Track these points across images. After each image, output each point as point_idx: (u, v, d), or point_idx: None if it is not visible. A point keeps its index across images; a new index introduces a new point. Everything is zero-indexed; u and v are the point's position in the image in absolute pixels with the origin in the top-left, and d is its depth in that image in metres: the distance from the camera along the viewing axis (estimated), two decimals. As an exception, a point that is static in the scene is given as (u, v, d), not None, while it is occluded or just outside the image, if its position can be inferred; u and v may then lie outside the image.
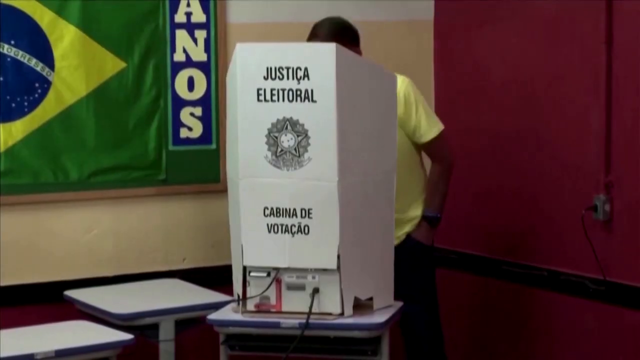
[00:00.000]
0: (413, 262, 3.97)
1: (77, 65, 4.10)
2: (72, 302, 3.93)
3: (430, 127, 3.94)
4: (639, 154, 3.79)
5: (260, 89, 3.56)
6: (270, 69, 3.53)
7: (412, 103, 3.91)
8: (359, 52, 3.86)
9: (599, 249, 3.85)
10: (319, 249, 3.54)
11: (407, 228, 4.01)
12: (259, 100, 3.56)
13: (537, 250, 4.14)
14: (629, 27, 3.79)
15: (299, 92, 3.53)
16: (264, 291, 3.59)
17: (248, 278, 3.62)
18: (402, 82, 3.87)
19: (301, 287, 3.58)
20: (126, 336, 3.50)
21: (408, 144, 3.93)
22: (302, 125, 3.52)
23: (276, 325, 3.54)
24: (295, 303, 3.57)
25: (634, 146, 3.80)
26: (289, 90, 3.54)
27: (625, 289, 3.81)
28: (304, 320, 3.50)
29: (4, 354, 3.29)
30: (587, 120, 3.90)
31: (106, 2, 4.14)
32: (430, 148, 3.99)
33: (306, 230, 3.55)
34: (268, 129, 3.56)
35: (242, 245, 3.61)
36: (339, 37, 3.77)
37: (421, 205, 4.02)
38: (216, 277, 4.06)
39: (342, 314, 3.55)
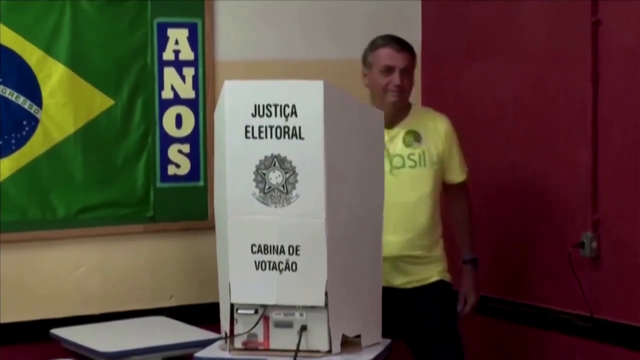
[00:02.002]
0: (447, 304, 3.93)
1: (65, 103, 4.10)
2: (58, 340, 3.90)
3: (464, 167, 3.94)
4: (626, 191, 3.79)
5: (249, 126, 3.55)
6: (258, 106, 3.52)
7: (455, 142, 3.89)
8: None
9: (586, 286, 3.85)
10: (306, 286, 3.52)
11: (437, 267, 3.92)
12: (247, 137, 3.56)
13: (525, 287, 4.14)
14: (615, 66, 3.81)
15: (286, 129, 3.53)
16: (251, 329, 3.57)
17: (235, 315, 3.59)
18: (445, 120, 3.88)
19: (289, 325, 3.55)
20: (113, 375, 3.49)
21: (439, 182, 3.91)
22: (290, 162, 3.51)
23: (264, 363, 3.54)
24: (283, 341, 3.54)
25: (620, 183, 3.81)
26: (276, 128, 3.53)
27: (613, 326, 3.81)
28: (291, 358, 3.47)
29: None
30: (574, 157, 3.92)
31: (94, 40, 4.15)
32: (462, 187, 3.97)
33: (294, 267, 3.53)
34: (256, 166, 3.55)
35: (229, 283, 3.59)
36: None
37: (441, 244, 3.95)
38: (203, 314, 4.03)
39: (329, 352, 3.52)
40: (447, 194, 3.98)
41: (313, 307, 3.53)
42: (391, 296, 3.75)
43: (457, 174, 3.92)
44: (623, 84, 3.79)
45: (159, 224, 4.28)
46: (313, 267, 3.51)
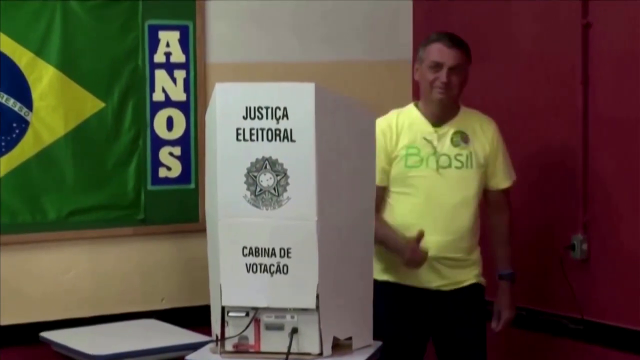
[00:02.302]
0: (480, 309, 3.85)
1: (55, 106, 4.09)
2: (48, 343, 3.89)
3: (510, 175, 3.84)
4: (616, 194, 3.81)
5: (240, 129, 3.56)
6: (250, 108, 3.53)
7: (501, 147, 3.81)
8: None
9: (577, 288, 3.87)
10: (297, 288, 3.52)
11: (474, 271, 3.83)
12: (238, 139, 3.56)
13: (516, 289, 4.13)
14: (605, 68, 3.83)
15: (278, 132, 3.53)
16: (242, 331, 3.56)
17: (226, 318, 3.59)
18: (492, 123, 3.81)
19: (280, 327, 3.55)
20: (103, 378, 3.49)
21: (482, 187, 3.81)
22: (282, 164, 3.51)
23: (255, 366, 3.53)
24: (274, 343, 3.54)
25: (611, 186, 3.82)
26: (268, 130, 3.54)
27: (604, 328, 3.82)
28: (283, 361, 3.50)
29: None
30: (565, 159, 3.92)
31: (85, 42, 4.14)
32: (503, 196, 3.86)
33: (285, 270, 3.53)
34: (247, 169, 3.55)
35: (220, 285, 3.59)
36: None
37: (479, 248, 3.86)
38: (194, 317, 4.03)
39: (321, 354, 3.52)
40: (486, 201, 3.88)
41: (304, 310, 3.53)
42: (425, 297, 3.78)
43: (501, 180, 3.82)
44: (613, 86, 3.80)
45: (149, 227, 4.27)
46: (304, 270, 3.51)
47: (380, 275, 3.82)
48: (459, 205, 3.73)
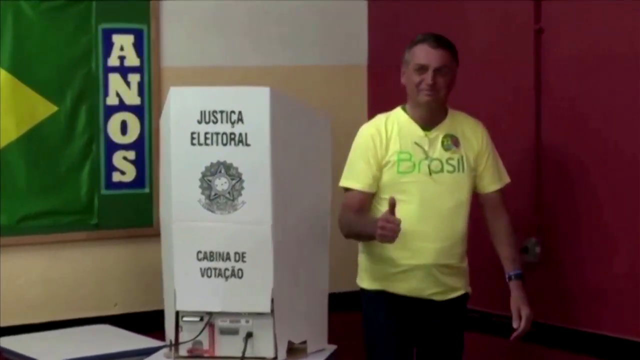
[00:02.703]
0: (465, 318, 3.80)
1: (7, 109, 4.06)
2: (0, 351, 3.85)
3: (501, 177, 3.72)
4: (568, 198, 3.83)
5: (194, 133, 3.57)
6: (205, 112, 3.54)
7: (491, 149, 3.70)
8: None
9: (530, 290, 3.86)
10: (252, 292, 3.54)
11: (464, 279, 3.74)
12: (192, 143, 3.57)
13: (473, 292, 4.15)
14: (557, 73, 3.86)
15: (233, 136, 3.55)
16: (196, 336, 3.58)
17: (181, 323, 3.61)
18: (480, 125, 3.71)
19: (234, 332, 3.57)
20: (56, 384, 3.47)
21: (471, 192, 3.70)
22: (236, 168, 3.53)
23: (209, 371, 3.54)
24: (228, 348, 3.56)
25: (563, 190, 3.85)
26: (223, 134, 3.55)
27: (557, 330, 3.85)
28: (237, 365, 3.51)
29: None
30: (518, 164, 3.94)
31: (37, 46, 4.11)
32: (498, 198, 3.70)
33: (240, 274, 3.55)
34: (202, 173, 3.56)
35: (174, 290, 3.60)
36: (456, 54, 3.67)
37: (466, 255, 3.75)
38: (148, 322, 4.02)
39: (275, 358, 3.55)
40: (482, 205, 3.74)
41: (259, 314, 3.55)
42: (417, 307, 3.67)
43: (491, 182, 3.69)
44: (565, 90, 3.83)
45: (103, 232, 4.25)
46: (259, 274, 3.53)
47: (371, 285, 3.72)
48: (453, 210, 3.64)
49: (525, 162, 3.93)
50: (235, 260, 3.55)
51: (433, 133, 3.64)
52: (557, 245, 3.87)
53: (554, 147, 3.88)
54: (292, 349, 3.59)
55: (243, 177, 3.54)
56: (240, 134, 3.54)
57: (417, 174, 3.60)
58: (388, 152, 3.63)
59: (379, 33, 4.71)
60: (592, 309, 3.75)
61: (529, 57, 3.91)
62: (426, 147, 3.62)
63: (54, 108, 4.15)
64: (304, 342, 3.63)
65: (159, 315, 3.74)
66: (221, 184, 3.54)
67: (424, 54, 3.57)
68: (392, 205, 3.36)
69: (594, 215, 3.74)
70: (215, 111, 3.55)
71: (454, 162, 3.63)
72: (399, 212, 3.42)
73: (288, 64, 4.52)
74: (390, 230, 3.34)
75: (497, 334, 4.06)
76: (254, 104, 3.54)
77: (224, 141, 3.56)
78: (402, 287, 3.65)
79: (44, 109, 4.14)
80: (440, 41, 3.61)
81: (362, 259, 3.75)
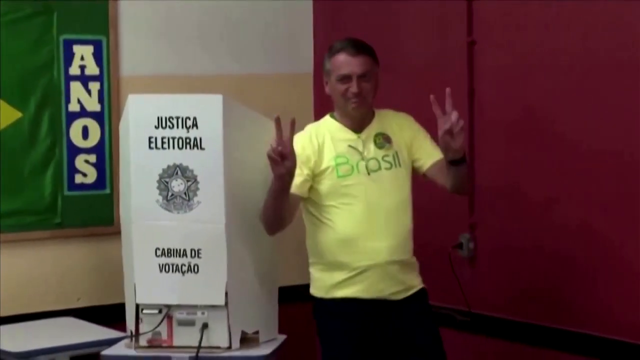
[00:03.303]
0: (433, 314, 3.57)
1: (-27, 116, 4.03)
2: (-32, 342, 3.83)
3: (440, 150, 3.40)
4: (498, 198, 3.89)
5: (152, 137, 3.57)
6: (161, 118, 3.54)
7: (420, 128, 3.57)
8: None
9: (464, 283, 3.90)
10: (207, 286, 3.54)
11: (417, 273, 3.56)
12: (150, 147, 3.57)
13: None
14: (488, 81, 3.91)
15: (188, 140, 3.56)
16: (155, 327, 3.58)
17: (141, 315, 3.60)
18: (405, 114, 3.56)
19: (191, 323, 3.57)
20: (22, 374, 3.44)
21: (409, 183, 3.54)
22: (192, 171, 3.54)
23: (168, 359, 3.54)
24: (185, 338, 3.57)
25: (494, 190, 3.90)
26: (179, 139, 3.56)
27: (489, 320, 3.89)
28: (194, 354, 3.51)
29: None
30: None
31: (2, 55, 4.09)
32: (444, 160, 3.38)
33: (196, 269, 3.56)
34: (159, 175, 3.56)
35: (134, 284, 3.60)
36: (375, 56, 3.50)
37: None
38: (110, 315, 4.01)
39: (229, 347, 3.56)
40: (435, 176, 3.50)
41: (214, 306, 3.55)
42: (380, 309, 3.44)
43: (434, 152, 3.49)
44: (495, 97, 3.87)
45: (66, 230, 4.23)
46: (214, 269, 3.54)
47: (327, 293, 3.49)
48: (399, 206, 3.47)
49: None
50: (191, 257, 3.56)
51: (364, 134, 3.49)
52: (488, 242, 3.93)
53: (486, 151, 3.92)
54: (245, 339, 3.61)
55: (198, 179, 3.55)
56: (195, 139, 3.55)
57: (357, 175, 3.44)
58: (323, 159, 3.46)
59: (324, 43, 4.61)
60: (519, 299, 3.80)
61: (463, 66, 3.94)
62: (360, 148, 3.47)
63: (18, 114, 4.14)
64: (256, 332, 3.65)
65: (120, 308, 3.72)
66: (177, 185, 3.56)
67: (345, 63, 3.41)
68: (277, 121, 3.16)
69: (519, 215, 3.79)
70: (171, 117, 3.55)
71: (390, 159, 3.48)
72: (345, 216, 3.39)
73: (238, 73, 4.51)
74: (275, 153, 3.16)
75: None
76: (208, 110, 3.55)
77: (180, 145, 3.56)
78: (358, 289, 3.43)
79: (8, 115, 4.11)
80: (358, 47, 3.44)
81: (314, 270, 3.54)
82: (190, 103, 3.58)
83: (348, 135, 3.49)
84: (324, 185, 3.46)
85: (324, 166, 3.46)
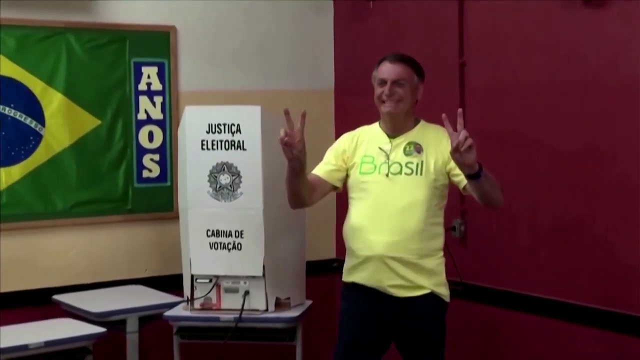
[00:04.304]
0: (438, 318, 3.19)
1: (62, 123, 4.06)
2: (58, 304, 3.88)
3: None
4: None
5: (204, 140, 3.61)
6: (211, 125, 3.58)
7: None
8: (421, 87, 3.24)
9: (457, 259, 3.85)
10: (248, 260, 3.58)
11: (432, 279, 3.15)
12: (202, 148, 3.61)
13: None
14: (476, 98, 3.85)
15: (233, 143, 3.59)
16: (207, 293, 3.62)
17: (195, 284, 3.64)
18: (446, 132, 2.95)
19: (235, 290, 3.61)
20: (100, 330, 3.48)
21: (438, 194, 3.16)
22: (236, 167, 3.57)
23: (216, 319, 3.58)
24: (231, 302, 3.60)
25: None
26: (225, 141, 3.59)
27: (477, 289, 3.87)
28: (237, 315, 3.54)
29: (4, 345, 3.26)
30: None
31: (85, 75, 4.10)
32: None
33: (239, 247, 3.59)
34: (210, 171, 3.60)
35: (190, 259, 3.64)
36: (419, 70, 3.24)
37: (438, 260, 3.19)
38: (170, 283, 4.02)
39: (266, 310, 3.60)
40: (472, 192, 3.08)
41: (253, 277, 3.59)
42: (382, 300, 3.13)
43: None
44: (483, 107, 3.83)
45: (135, 215, 4.23)
46: (253, 246, 3.57)
47: (344, 277, 3.24)
48: (406, 207, 3.10)
49: None
50: (235, 237, 3.59)
51: (398, 140, 3.18)
52: (476, 225, 3.90)
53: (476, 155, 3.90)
54: (278, 303, 3.64)
55: (241, 174, 3.58)
56: (239, 141, 3.58)
57: (377, 175, 3.15)
58: (355, 155, 3.23)
59: (343, 62, 4.62)
60: (502, 271, 3.77)
61: (455, 85, 3.89)
62: (388, 152, 3.16)
63: (98, 122, 4.15)
64: (288, 298, 3.67)
65: (178, 278, 3.76)
66: (224, 179, 3.58)
67: (383, 69, 3.19)
68: (286, 113, 2.95)
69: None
70: (219, 124, 3.58)
71: (413, 166, 3.13)
72: (357, 208, 3.17)
73: (268, 88, 4.45)
74: (288, 137, 2.94)
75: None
76: (249, 118, 3.58)
77: (226, 147, 3.59)
78: (362, 276, 3.15)
79: (90, 122, 4.13)
80: (398, 57, 3.21)
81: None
82: (235, 113, 3.62)
83: (382, 139, 3.21)
84: (350, 178, 3.24)
85: (353, 161, 3.23)
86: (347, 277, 3.23)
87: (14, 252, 3.98)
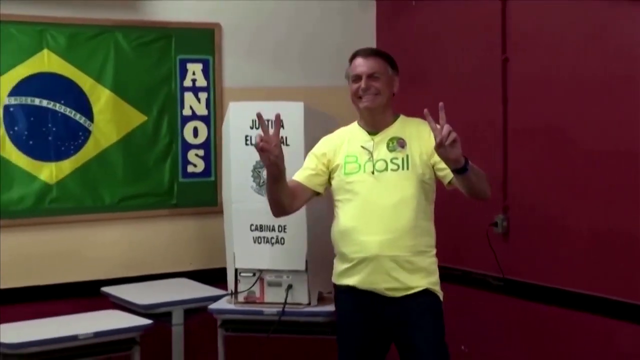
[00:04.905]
0: (437, 316, 3.08)
1: (110, 119, 4.10)
2: (106, 296, 3.93)
3: None
4: (527, 185, 3.82)
5: (248, 136, 3.61)
6: (255, 120, 3.58)
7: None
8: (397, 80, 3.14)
9: (499, 254, 3.86)
10: (291, 255, 3.58)
11: (427, 278, 3.05)
12: (246, 144, 3.62)
13: (454, 255, 4.14)
14: (518, 91, 3.83)
15: (276, 139, 3.58)
16: (250, 287, 3.63)
17: (239, 277, 3.65)
18: (427, 124, 2.87)
19: (279, 284, 3.61)
20: (147, 321, 3.52)
21: (427, 189, 3.06)
22: (279, 163, 3.56)
23: (260, 312, 3.59)
24: (274, 296, 3.61)
25: (523, 179, 3.84)
26: (268, 137, 3.58)
27: (519, 284, 3.84)
28: (280, 309, 3.55)
29: (55, 335, 3.31)
30: (490, 160, 3.86)
31: (132, 72, 4.14)
32: None
33: (282, 241, 3.59)
34: (253, 166, 3.60)
35: (234, 253, 3.65)
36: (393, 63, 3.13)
37: (431, 257, 3.10)
38: (215, 276, 4.04)
39: (309, 304, 3.60)
40: (458, 186, 2.99)
41: (296, 271, 3.59)
42: (379, 303, 3.03)
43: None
44: (525, 103, 3.80)
45: (180, 209, 4.26)
46: (296, 241, 3.57)
47: (336, 279, 3.16)
48: (396, 205, 2.99)
49: (495, 159, 3.90)
50: (279, 231, 3.59)
51: (379, 137, 3.08)
52: (518, 221, 3.87)
53: (518, 146, 3.85)
54: (321, 297, 3.64)
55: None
56: (282, 137, 3.56)
57: (362, 174, 3.03)
58: (337, 157, 3.10)
59: None
60: (545, 266, 3.73)
61: (498, 79, 3.87)
62: (371, 149, 3.05)
63: (144, 118, 4.18)
64: (330, 292, 3.63)
65: (222, 271, 3.78)
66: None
67: (357, 65, 3.09)
68: (259, 117, 2.87)
69: (544, 199, 3.73)
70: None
71: (398, 162, 3.03)
72: (345, 210, 3.05)
73: (308, 85, 4.45)
74: (263, 142, 2.83)
75: (472, 286, 4.06)
76: (292, 114, 3.57)
77: (270, 142, 3.59)
78: (357, 280, 3.04)
79: (136, 118, 4.17)
80: (371, 51, 3.11)
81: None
82: (278, 109, 3.57)
83: (363, 137, 3.10)
84: (334, 181, 3.11)
85: (335, 163, 3.11)
86: (339, 280, 3.12)
87: (64, 245, 4.03)
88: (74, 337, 3.31)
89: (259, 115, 2.89)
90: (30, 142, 3.95)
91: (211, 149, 4.31)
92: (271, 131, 2.87)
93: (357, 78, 3.08)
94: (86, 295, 3.97)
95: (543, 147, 3.73)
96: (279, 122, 2.88)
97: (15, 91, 3.92)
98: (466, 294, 4.11)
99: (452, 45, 4.21)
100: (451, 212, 4.03)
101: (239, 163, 3.62)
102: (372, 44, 4.65)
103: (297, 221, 3.54)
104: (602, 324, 3.47)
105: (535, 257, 3.79)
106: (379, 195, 3.01)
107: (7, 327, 3.40)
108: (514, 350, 3.90)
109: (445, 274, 4.17)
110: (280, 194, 3.01)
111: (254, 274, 3.62)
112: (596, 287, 3.50)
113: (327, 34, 4.55)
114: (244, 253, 3.62)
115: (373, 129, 3.11)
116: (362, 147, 3.08)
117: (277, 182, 2.95)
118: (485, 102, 3.99)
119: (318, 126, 3.56)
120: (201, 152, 4.30)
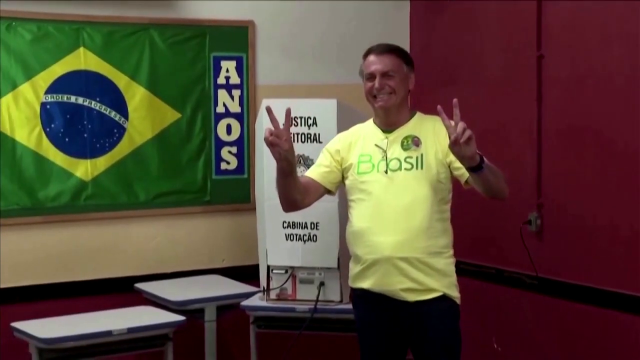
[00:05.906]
0: (453, 323, 2.98)
1: (144, 116, 4.10)
2: (140, 292, 3.93)
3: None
4: (561, 184, 3.77)
5: (281, 133, 3.57)
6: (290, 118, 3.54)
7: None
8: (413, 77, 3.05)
9: (532, 253, 3.82)
10: (324, 252, 3.56)
11: (444, 280, 2.94)
12: (279, 141, 3.58)
13: (488, 253, 4.13)
14: (553, 89, 3.78)
15: (309, 136, 3.57)
16: (283, 284, 3.61)
17: (271, 274, 3.64)
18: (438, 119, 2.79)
19: (311, 281, 3.60)
20: (180, 318, 3.52)
21: (442, 188, 2.95)
22: (312, 160, 3.53)
23: (292, 309, 3.57)
24: (306, 293, 3.59)
25: (557, 177, 3.79)
26: (301, 134, 3.57)
27: (553, 282, 3.80)
28: (313, 306, 3.53)
29: (90, 331, 3.33)
30: (524, 158, 3.88)
31: (167, 69, 4.14)
32: None
33: (314, 239, 3.57)
34: (286, 163, 3.56)
35: (266, 250, 3.63)
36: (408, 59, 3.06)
37: (448, 259, 2.97)
38: (247, 273, 4.03)
39: (341, 301, 3.57)
40: (475, 185, 2.88)
41: (329, 268, 3.58)
42: (392, 306, 2.94)
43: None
44: (560, 103, 3.76)
45: (213, 206, 4.26)
46: (328, 238, 3.55)
47: (352, 283, 3.05)
48: (409, 205, 2.89)
49: (529, 157, 3.87)
50: (311, 228, 3.58)
51: (393, 135, 2.98)
52: (552, 219, 3.82)
53: (552, 144, 3.81)
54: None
55: (317, 167, 3.54)
56: (315, 134, 3.56)
57: (375, 173, 2.94)
58: (351, 155, 3.01)
59: (418, 58, 4.45)
60: (578, 265, 3.68)
61: (532, 77, 3.83)
62: (385, 148, 2.95)
63: (178, 115, 4.18)
64: None
65: (254, 268, 3.77)
66: (300, 171, 3.52)
67: (371, 62, 2.99)
68: (269, 111, 2.79)
69: (578, 198, 3.67)
70: (296, 117, 3.56)
71: (412, 161, 2.92)
72: (359, 211, 2.96)
73: (342, 82, 4.36)
74: (273, 137, 2.76)
75: (506, 284, 4.02)
76: (325, 111, 3.56)
77: (302, 139, 3.57)
78: (370, 282, 2.94)
79: (171, 115, 4.17)
80: (385, 48, 3.00)
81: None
82: (311, 106, 3.59)
83: (378, 135, 3.00)
84: (348, 181, 3.02)
85: (349, 162, 3.02)
86: (354, 283, 3.03)
87: (99, 241, 4.04)
88: (108, 333, 3.32)
89: (269, 109, 2.80)
90: (67, 139, 3.96)
91: (244, 146, 4.30)
92: (281, 125, 2.80)
93: (371, 76, 3.00)
94: (120, 291, 3.98)
95: (577, 145, 3.68)
96: (289, 117, 2.82)
97: (52, 89, 3.94)
98: (500, 293, 4.08)
99: (486, 43, 4.16)
100: (484, 210, 4.00)
101: (271, 160, 3.53)
102: (406, 43, 4.61)
103: (329, 218, 3.52)
104: (638, 323, 3.41)
105: (569, 256, 3.74)
106: (392, 195, 2.92)
107: (42, 322, 3.42)
108: (548, 349, 3.85)
109: (479, 272, 4.19)
110: (291, 189, 2.94)
111: (286, 271, 3.60)
112: (631, 286, 3.44)
113: (360, 33, 4.52)
114: (277, 250, 3.61)
115: (388, 127, 3.02)
116: (377, 145, 2.99)
117: (287, 176, 2.89)
118: (520, 100, 3.95)
119: (351, 123, 3.51)
120: (234, 150, 4.29)
